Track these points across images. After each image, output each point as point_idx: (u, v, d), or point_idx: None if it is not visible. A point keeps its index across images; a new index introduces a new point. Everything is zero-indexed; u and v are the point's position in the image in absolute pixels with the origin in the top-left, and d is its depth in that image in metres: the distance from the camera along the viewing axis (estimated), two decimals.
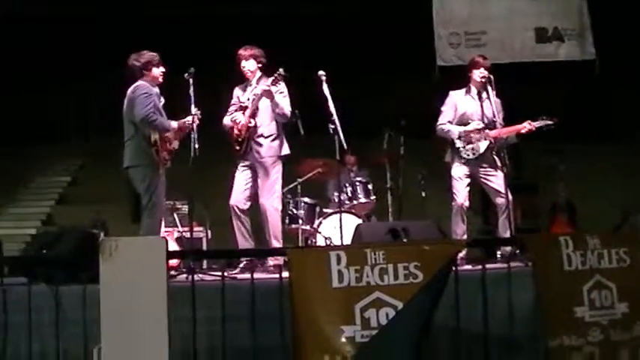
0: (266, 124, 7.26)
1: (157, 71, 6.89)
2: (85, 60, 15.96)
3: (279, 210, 7.29)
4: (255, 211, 7.39)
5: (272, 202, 7.21)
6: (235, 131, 7.31)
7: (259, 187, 7.24)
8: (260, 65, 7.38)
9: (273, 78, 7.08)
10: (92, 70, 15.95)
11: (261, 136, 7.24)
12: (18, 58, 15.39)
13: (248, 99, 7.31)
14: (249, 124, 7.21)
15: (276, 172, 7.26)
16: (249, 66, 7.36)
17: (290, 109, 7.34)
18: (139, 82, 6.76)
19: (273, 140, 7.28)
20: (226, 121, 7.44)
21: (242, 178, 7.31)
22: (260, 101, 7.20)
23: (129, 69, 6.84)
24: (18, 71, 15.36)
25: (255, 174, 7.26)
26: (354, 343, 4.58)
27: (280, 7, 15.58)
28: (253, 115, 7.23)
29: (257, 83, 7.34)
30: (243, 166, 7.32)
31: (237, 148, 7.32)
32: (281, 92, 7.26)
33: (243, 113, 7.29)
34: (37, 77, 15.81)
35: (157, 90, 6.83)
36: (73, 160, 16.42)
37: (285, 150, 7.38)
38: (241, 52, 7.38)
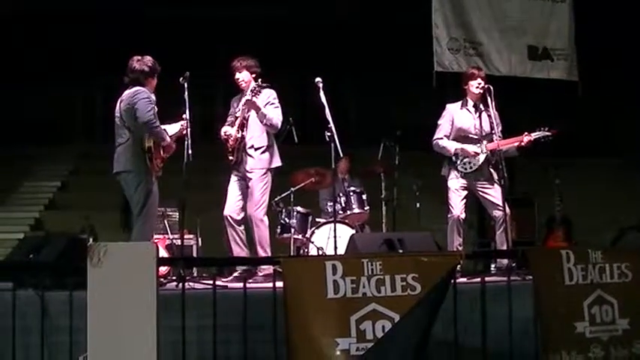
0: (257, 136, 7.23)
1: (155, 80, 6.75)
2: (76, 64, 15.82)
3: (264, 221, 7.22)
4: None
5: (258, 213, 7.16)
6: (230, 142, 7.27)
7: (247, 199, 7.21)
8: (254, 75, 7.31)
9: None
10: (88, 75, 15.82)
11: (252, 147, 7.22)
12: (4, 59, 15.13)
13: (239, 110, 7.29)
14: (237, 136, 7.18)
15: (264, 184, 7.22)
16: (243, 77, 7.31)
17: (281, 119, 7.29)
18: (140, 88, 6.56)
19: (263, 152, 7.23)
20: (221, 132, 7.38)
21: (235, 188, 7.29)
22: (249, 112, 7.19)
23: (134, 72, 6.60)
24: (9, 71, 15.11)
25: (246, 185, 7.23)
26: (349, 355, 4.45)
27: (278, 12, 15.47)
28: (242, 127, 7.22)
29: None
30: (236, 176, 7.31)
31: (231, 158, 7.30)
32: (271, 104, 7.24)
33: (233, 125, 7.28)
34: (31, 79, 15.63)
35: (154, 98, 6.66)
36: (63, 165, 16.24)
37: (277, 162, 7.33)
38: (235, 63, 7.34)
